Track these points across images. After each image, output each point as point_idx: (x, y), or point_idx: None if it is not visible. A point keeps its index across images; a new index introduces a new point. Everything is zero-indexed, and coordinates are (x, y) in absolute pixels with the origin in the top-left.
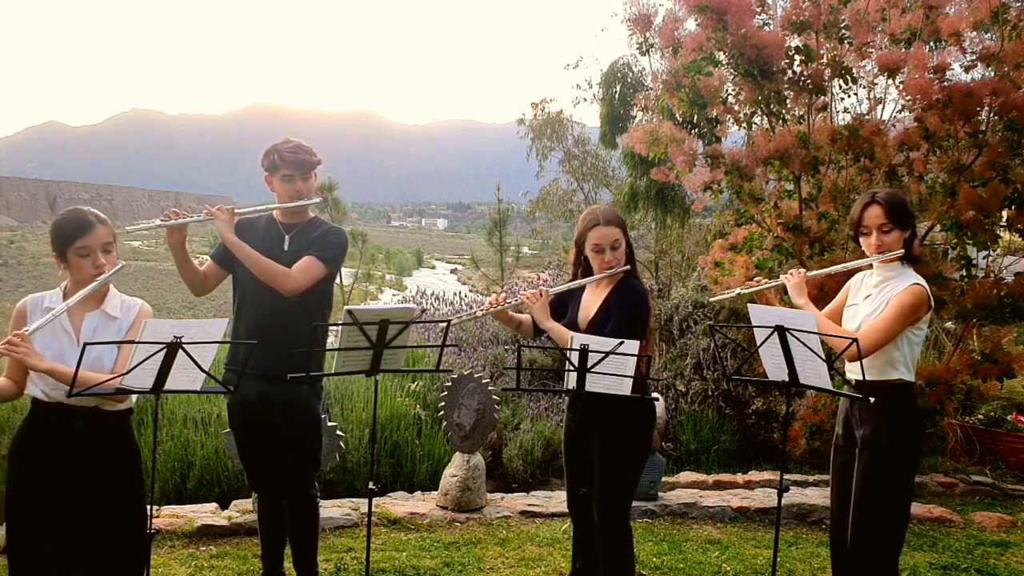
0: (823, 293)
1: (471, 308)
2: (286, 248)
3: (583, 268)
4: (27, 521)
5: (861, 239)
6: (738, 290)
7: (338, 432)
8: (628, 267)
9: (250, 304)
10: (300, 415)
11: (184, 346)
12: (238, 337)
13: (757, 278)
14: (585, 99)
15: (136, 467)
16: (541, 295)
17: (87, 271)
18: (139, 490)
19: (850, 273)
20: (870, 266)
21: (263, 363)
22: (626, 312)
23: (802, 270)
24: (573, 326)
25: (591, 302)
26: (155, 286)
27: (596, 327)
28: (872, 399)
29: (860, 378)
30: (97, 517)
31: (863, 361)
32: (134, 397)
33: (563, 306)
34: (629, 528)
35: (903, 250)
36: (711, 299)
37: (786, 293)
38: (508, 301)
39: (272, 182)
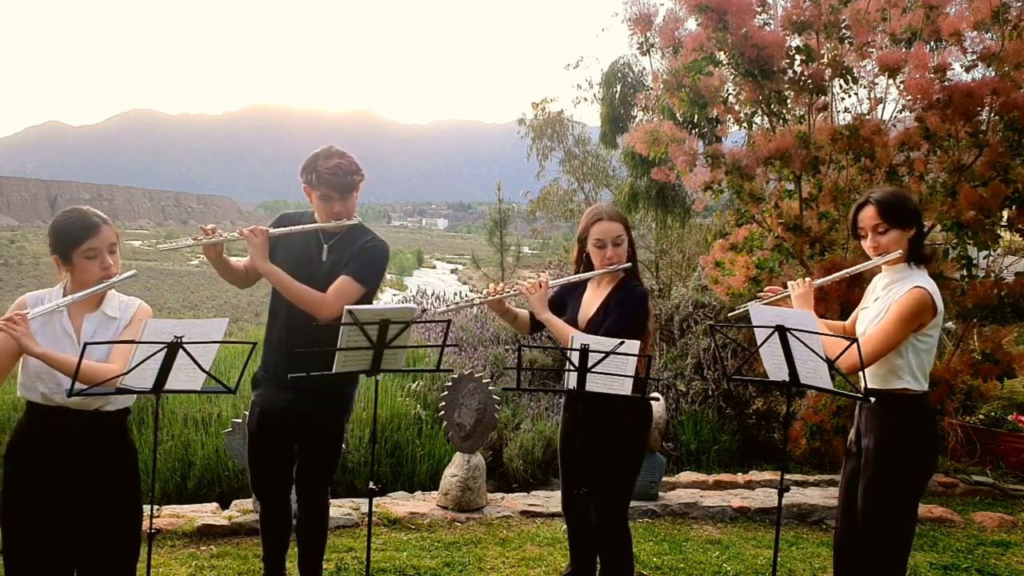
0: (823, 295)
1: (467, 300)
2: (324, 258)
3: (585, 266)
4: (24, 522)
5: (861, 242)
6: (754, 303)
7: None
8: (628, 265)
9: (283, 307)
10: (327, 430)
11: (184, 346)
12: (271, 336)
13: (769, 288)
14: (585, 99)
15: (133, 467)
16: (540, 286)
17: (94, 273)
18: (135, 490)
19: (856, 276)
20: (879, 268)
21: (293, 369)
22: (623, 312)
23: (808, 279)
24: (572, 325)
25: (591, 301)
26: (155, 286)
27: (595, 326)
28: (872, 399)
29: (865, 384)
30: (93, 517)
31: (867, 368)
32: (132, 396)
33: (563, 305)
34: (628, 528)
35: (900, 250)
36: (730, 314)
37: None
38: (507, 291)
39: (311, 196)
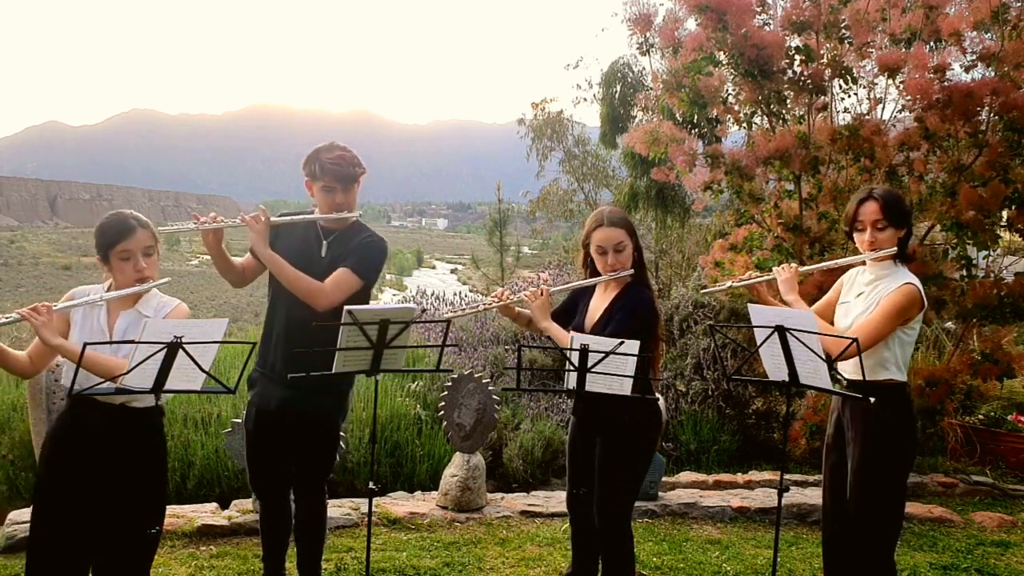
0: (823, 293)
1: (473, 304)
2: (323, 254)
3: (591, 270)
4: (49, 506)
5: (855, 235)
6: (730, 283)
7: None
8: (631, 271)
9: (282, 305)
10: (323, 428)
11: (184, 346)
12: (269, 334)
13: (750, 272)
14: (585, 99)
15: (158, 467)
16: (541, 293)
17: (128, 274)
18: (159, 490)
19: (844, 269)
20: (863, 262)
21: (290, 368)
22: (625, 317)
23: (794, 264)
24: (580, 329)
25: (598, 305)
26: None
27: (599, 331)
28: (872, 399)
29: (853, 378)
30: (112, 512)
31: (852, 361)
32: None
33: (575, 309)
34: (630, 532)
35: (895, 248)
36: (703, 291)
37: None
38: (511, 297)
39: (312, 189)
